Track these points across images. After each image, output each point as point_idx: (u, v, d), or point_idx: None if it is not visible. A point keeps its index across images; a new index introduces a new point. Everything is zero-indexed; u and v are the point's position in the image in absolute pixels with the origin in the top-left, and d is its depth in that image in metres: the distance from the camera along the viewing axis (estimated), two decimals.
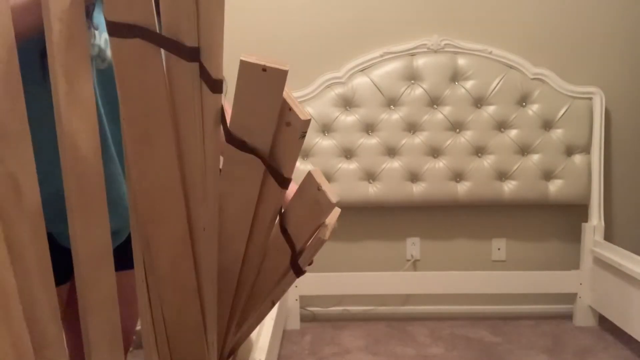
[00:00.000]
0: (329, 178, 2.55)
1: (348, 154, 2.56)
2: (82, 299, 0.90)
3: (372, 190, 2.56)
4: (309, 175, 0.97)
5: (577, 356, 2.28)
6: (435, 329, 2.57)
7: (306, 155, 2.55)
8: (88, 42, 0.89)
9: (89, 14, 0.99)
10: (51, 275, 0.87)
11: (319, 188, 0.96)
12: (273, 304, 1.24)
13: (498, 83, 2.54)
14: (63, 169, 0.86)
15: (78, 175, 0.87)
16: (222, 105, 0.89)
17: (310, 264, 1.09)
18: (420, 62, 2.55)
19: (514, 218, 2.71)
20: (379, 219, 2.70)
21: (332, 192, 0.96)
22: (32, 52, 0.96)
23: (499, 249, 2.72)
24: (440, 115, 2.56)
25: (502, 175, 2.58)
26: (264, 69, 0.81)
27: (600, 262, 2.48)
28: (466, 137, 2.56)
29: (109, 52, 1.07)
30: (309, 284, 2.61)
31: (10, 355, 0.80)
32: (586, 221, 2.61)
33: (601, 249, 2.50)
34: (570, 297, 2.65)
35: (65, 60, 0.83)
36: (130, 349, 1.40)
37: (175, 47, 0.80)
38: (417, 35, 2.58)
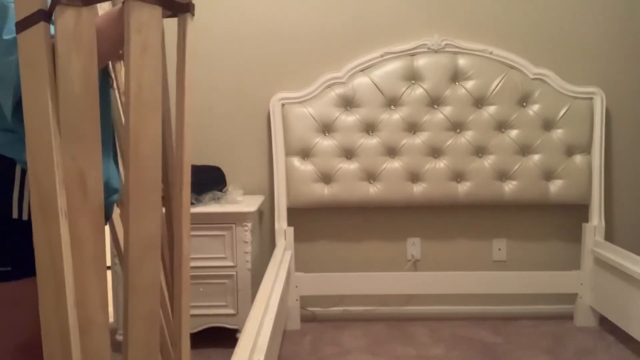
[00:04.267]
0: (330, 178, 2.55)
1: (348, 154, 2.56)
2: (127, 282, 0.99)
3: (373, 191, 2.56)
4: None
5: (578, 356, 2.28)
6: (435, 329, 2.57)
7: (306, 156, 2.55)
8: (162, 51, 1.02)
9: None
10: (105, 266, 0.97)
11: None
12: None
13: (498, 83, 2.54)
14: (126, 163, 0.96)
15: (139, 169, 0.96)
16: None
17: None
18: (421, 62, 2.55)
19: (515, 218, 2.70)
20: (380, 219, 2.70)
21: None
22: None
23: (499, 249, 2.72)
24: (441, 115, 2.55)
25: (503, 176, 2.58)
26: None
27: (601, 262, 2.48)
28: (467, 137, 2.56)
29: None
30: (309, 284, 2.61)
31: (56, 337, 0.91)
32: (587, 221, 2.61)
33: (602, 249, 2.50)
34: (571, 297, 2.65)
35: (139, 66, 0.94)
36: None
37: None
38: (417, 35, 2.58)
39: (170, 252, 1.29)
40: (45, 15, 0.89)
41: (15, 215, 1.07)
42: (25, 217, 1.06)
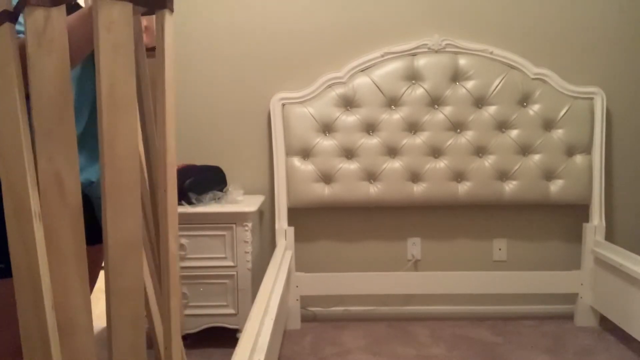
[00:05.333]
0: (330, 178, 2.56)
1: (349, 154, 2.56)
2: (108, 284, 0.98)
3: (373, 190, 2.56)
4: None
5: (578, 356, 2.28)
6: (436, 329, 2.57)
7: (307, 155, 2.55)
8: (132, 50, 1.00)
9: None
10: (86, 267, 0.96)
11: None
12: None
13: (499, 83, 2.54)
14: (101, 164, 0.94)
15: (116, 171, 0.95)
16: None
17: None
18: (421, 62, 2.55)
19: (515, 218, 2.71)
20: (380, 219, 2.70)
21: None
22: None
23: (500, 249, 2.72)
24: (441, 115, 2.55)
25: (503, 176, 2.58)
26: None
27: (601, 262, 2.48)
28: (467, 137, 2.56)
29: None
30: (309, 284, 2.61)
31: (36, 340, 0.90)
32: (587, 221, 2.61)
33: (602, 249, 2.50)
34: (571, 297, 2.65)
35: (110, 65, 0.92)
36: None
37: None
38: (417, 35, 2.58)
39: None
40: (11, 16, 0.88)
41: None
42: None
